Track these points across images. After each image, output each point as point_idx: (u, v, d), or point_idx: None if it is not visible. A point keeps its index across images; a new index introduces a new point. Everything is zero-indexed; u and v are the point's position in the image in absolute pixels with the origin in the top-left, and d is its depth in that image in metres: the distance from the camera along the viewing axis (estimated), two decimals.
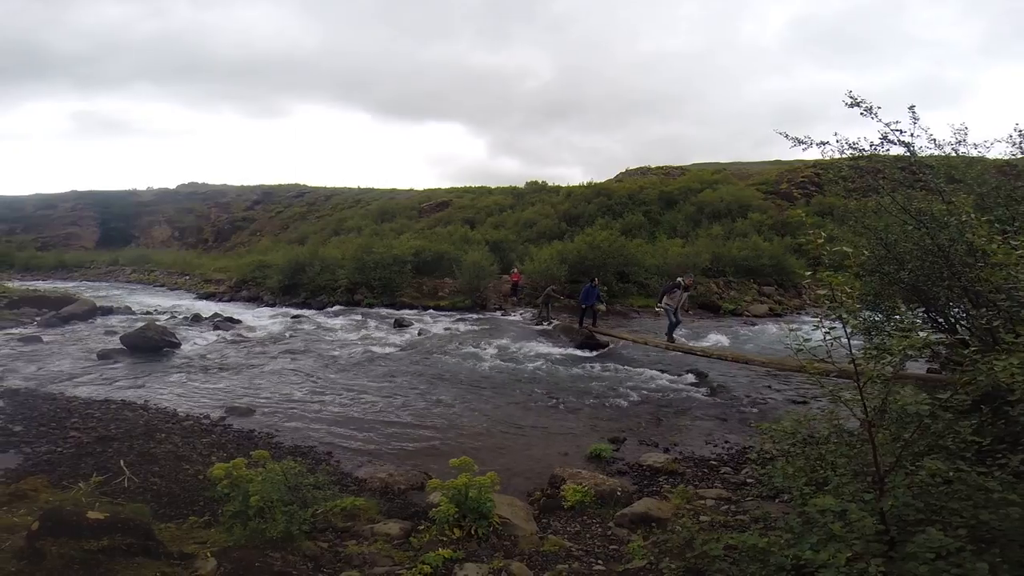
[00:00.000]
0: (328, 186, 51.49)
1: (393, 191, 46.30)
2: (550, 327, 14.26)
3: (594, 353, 12.67)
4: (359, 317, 18.23)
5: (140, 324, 13.69)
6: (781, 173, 34.48)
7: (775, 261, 23.48)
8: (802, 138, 5.20)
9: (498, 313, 20.14)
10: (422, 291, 22.78)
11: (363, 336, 14.51)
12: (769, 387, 9.75)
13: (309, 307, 20.72)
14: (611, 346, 13.31)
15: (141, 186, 56.09)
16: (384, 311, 19.78)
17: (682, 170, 40.93)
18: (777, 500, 4.72)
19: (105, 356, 11.12)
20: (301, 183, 53.57)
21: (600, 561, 4.00)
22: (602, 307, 14.32)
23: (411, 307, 20.81)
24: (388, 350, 12.73)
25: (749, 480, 5.61)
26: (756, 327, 16.93)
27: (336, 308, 20.42)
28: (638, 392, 9.34)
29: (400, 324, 16.49)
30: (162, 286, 29.74)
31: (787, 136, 5.26)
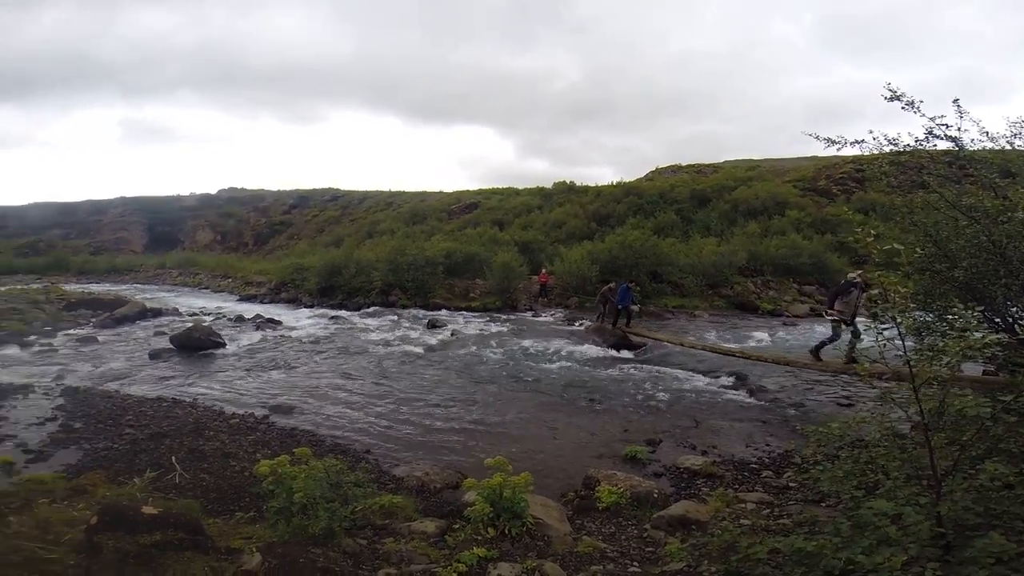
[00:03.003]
0: (361, 189, 52.53)
1: (423, 193, 46.89)
2: (610, 326, 14.09)
3: (628, 354, 12.53)
4: (394, 318, 18.55)
5: (187, 325, 14.29)
6: (819, 169, 33.43)
7: (815, 259, 22.76)
8: (835, 138, 5.03)
9: (529, 314, 20.16)
10: (454, 292, 23.00)
11: (398, 337, 14.75)
12: (812, 389, 9.45)
13: (345, 308, 21.18)
14: (646, 347, 13.14)
15: (184, 191, 58.49)
16: (418, 312, 20.06)
17: (714, 168, 40.13)
18: (823, 504, 4.59)
19: (156, 355, 11.65)
20: (335, 187, 54.88)
21: (635, 563, 3.96)
22: (636, 308, 14.16)
23: (444, 308, 21.03)
24: (423, 350, 12.91)
25: (792, 484, 5.46)
26: (797, 327, 16.42)
27: (372, 309, 20.80)
28: (674, 394, 9.19)
29: (433, 325, 16.70)
30: (206, 288, 30.90)
31: (818, 137, 5.11)
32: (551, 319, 18.94)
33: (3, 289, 24.30)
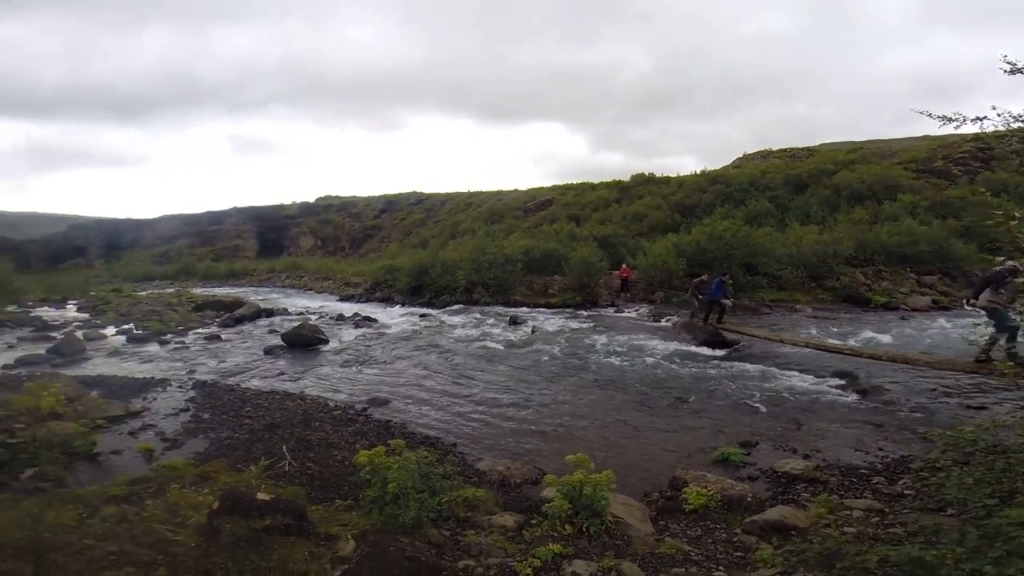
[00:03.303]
0: (442, 192, 54.65)
1: (500, 192, 47.67)
2: (701, 322, 13.57)
3: (721, 352, 11.92)
4: (477, 315, 19.06)
5: (295, 323, 15.61)
6: (934, 149, 30.00)
7: (936, 246, 20.34)
8: (951, 115, 4.43)
9: (610, 310, 19.81)
10: (533, 289, 23.15)
11: (482, 333, 15.14)
12: (935, 390, 8.48)
13: (433, 306, 22.05)
14: (740, 344, 12.43)
15: (287, 200, 63.77)
16: (499, 309, 20.43)
17: (810, 151, 37.26)
18: (944, 513, 4.15)
19: (270, 351, 12.87)
20: (419, 190, 57.62)
21: (721, 567, 3.80)
22: (728, 302, 13.42)
23: (524, 305, 21.25)
24: (505, 347, 13.16)
25: (908, 491, 5.00)
26: (916, 322, 14.73)
27: (456, 307, 21.50)
28: (773, 394, 8.64)
29: (514, 322, 16.93)
30: (310, 289, 33.52)
31: (931, 115, 4.52)
32: (634, 315, 18.47)
33: (144, 294, 28.08)
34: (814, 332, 13.55)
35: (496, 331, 15.52)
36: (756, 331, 12.76)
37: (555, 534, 4.14)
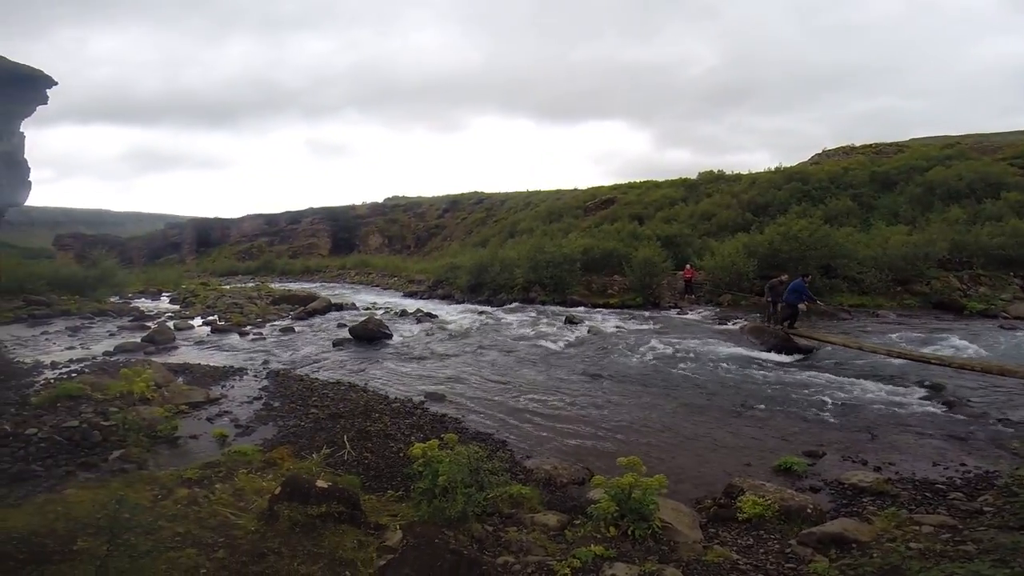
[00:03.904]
0: (502, 191, 55.35)
1: (559, 192, 47.55)
2: (777, 325, 12.94)
3: (791, 358, 11.29)
4: (533, 314, 19.14)
5: (362, 318, 16.34)
6: None
7: None
8: None
9: (673, 312, 19.25)
10: (591, 289, 22.93)
11: (537, 332, 15.18)
12: None
13: (491, 304, 22.42)
14: (814, 351, 11.70)
15: (357, 200, 66.94)
16: (556, 308, 20.43)
17: (899, 147, 34.59)
18: (1014, 529, 3.77)
19: (338, 344, 13.56)
20: (480, 191, 58.79)
21: None
22: (802, 307, 12.65)
23: (581, 304, 21.14)
24: (560, 346, 13.13)
25: (987, 509, 4.57)
26: (1019, 331, 13.25)
27: (514, 305, 21.74)
28: (846, 404, 8.09)
29: (571, 321, 16.84)
30: (377, 286, 34.99)
31: None
32: (698, 317, 17.85)
33: (228, 288, 30.40)
34: (897, 340, 12.51)
35: (552, 330, 15.52)
36: (832, 337, 11.96)
37: (598, 535, 4.10)
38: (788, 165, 34.51)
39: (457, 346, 13.42)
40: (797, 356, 11.44)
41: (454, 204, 57.22)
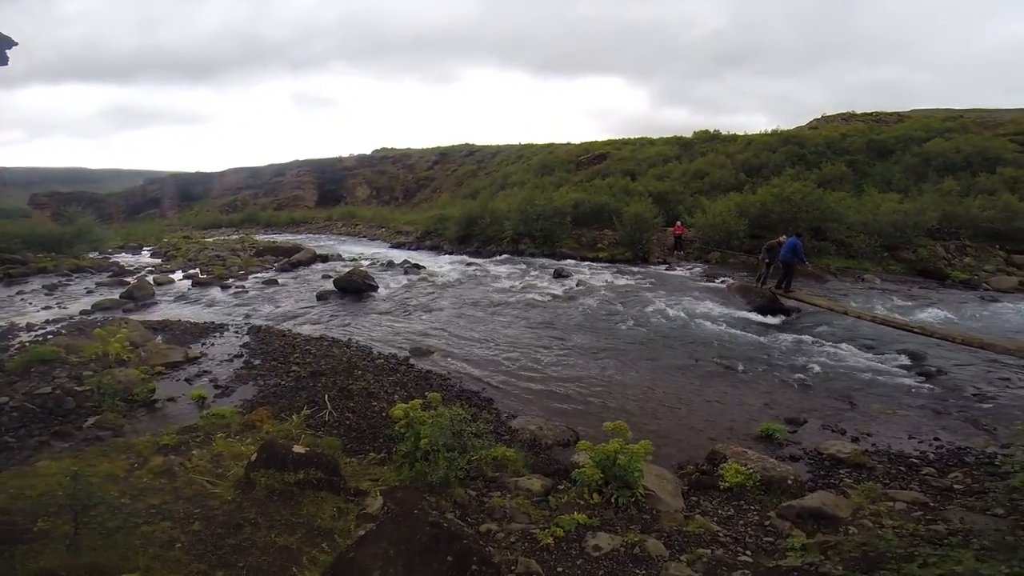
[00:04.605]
0: (494, 144, 53.91)
1: (551, 146, 46.45)
2: (760, 286, 12.88)
3: (777, 319, 11.36)
4: (523, 266, 19.05)
5: (348, 269, 16.04)
6: None
7: None
8: None
9: (661, 267, 19.24)
10: (581, 242, 22.85)
11: (526, 285, 15.08)
12: (1008, 380, 7.75)
13: (480, 256, 22.27)
14: (799, 312, 11.75)
15: (345, 152, 64.83)
16: (545, 261, 20.35)
17: (899, 116, 34.10)
18: (989, 513, 3.89)
19: (322, 297, 13.34)
20: (471, 143, 57.14)
21: (748, 552, 3.68)
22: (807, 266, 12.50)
23: (571, 258, 21.15)
24: (548, 300, 13.08)
25: (958, 486, 4.70)
26: (999, 304, 13.40)
27: (503, 257, 21.62)
28: (829, 369, 8.17)
29: (560, 275, 16.74)
30: (364, 237, 34.43)
31: None
32: (686, 274, 17.84)
33: (211, 240, 29.70)
34: (880, 305, 12.61)
35: (541, 283, 15.43)
36: (818, 300, 12.01)
37: (581, 502, 4.11)
38: (786, 128, 34.00)
39: (444, 299, 13.30)
40: (782, 317, 11.53)
41: (444, 156, 55.77)
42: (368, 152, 63.32)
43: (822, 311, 11.48)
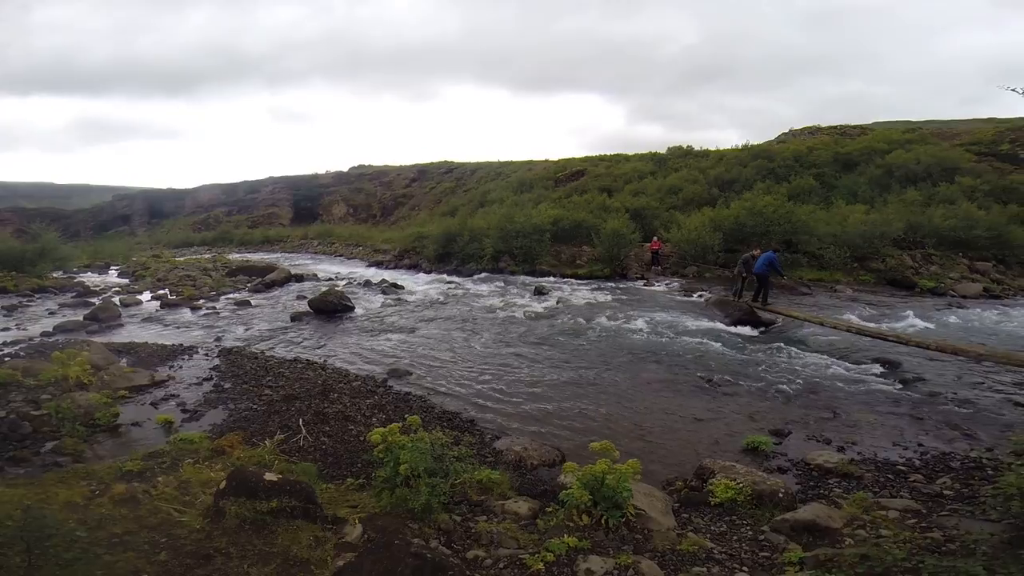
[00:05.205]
0: (473, 161, 54.25)
1: (530, 162, 46.99)
2: (736, 300, 13.00)
3: (755, 332, 11.47)
4: (502, 284, 18.97)
5: (323, 289, 15.73)
6: (1000, 132, 28.57)
7: (994, 232, 19.24)
8: None
9: (640, 283, 19.38)
10: (560, 259, 22.93)
11: (506, 303, 14.97)
12: (982, 384, 7.91)
13: (459, 274, 22.12)
14: (776, 325, 11.89)
15: (321, 170, 64.31)
16: (525, 279, 20.33)
17: (862, 129, 35.75)
18: (985, 517, 3.88)
19: (296, 318, 12.98)
20: (450, 160, 57.44)
21: (745, 568, 3.58)
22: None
23: (550, 275, 21.18)
24: (529, 318, 12.97)
25: (947, 492, 4.71)
26: (965, 310, 13.82)
27: (483, 275, 21.50)
28: (808, 380, 8.22)
29: (540, 292, 16.70)
30: (341, 256, 33.94)
31: (1019, 91, 3.95)
32: (664, 289, 18.00)
33: (182, 260, 28.91)
34: (855, 315, 12.87)
35: (521, 301, 15.34)
36: (794, 312, 12.18)
37: (571, 524, 3.96)
38: (756, 143, 35.06)
39: (423, 318, 13.09)
40: (760, 329, 11.65)
41: (423, 173, 55.73)
42: (345, 169, 62.98)
43: (799, 323, 11.64)
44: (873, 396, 7.53)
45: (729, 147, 35.18)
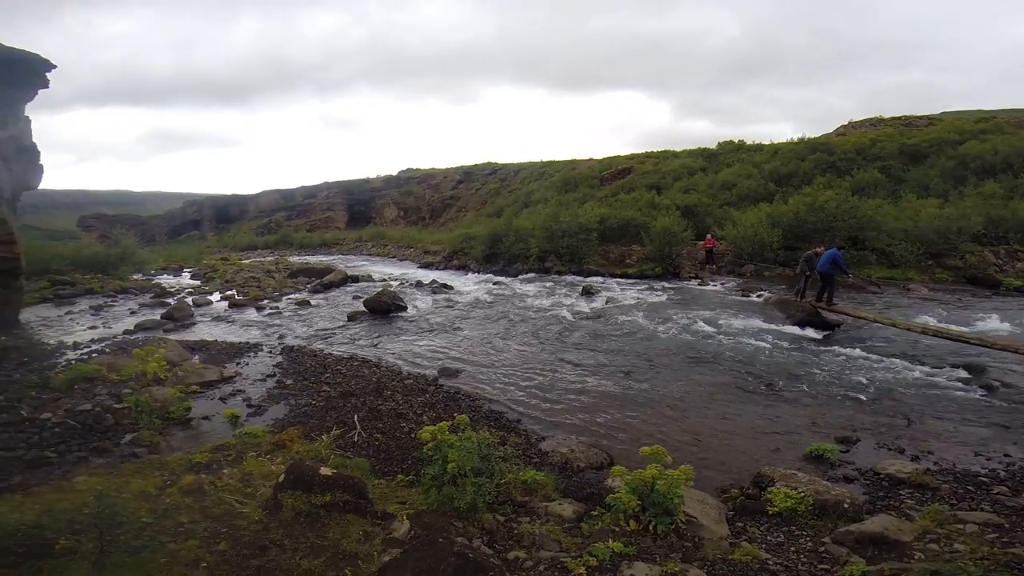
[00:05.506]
0: (516, 162, 54.48)
1: (573, 162, 46.60)
2: (799, 300, 12.36)
3: (819, 334, 10.85)
4: (549, 284, 18.89)
5: (377, 290, 16.22)
6: None
7: None
8: None
9: (693, 282, 18.80)
10: (608, 258, 22.59)
11: (553, 303, 14.91)
12: None
13: (506, 274, 22.23)
14: (843, 326, 11.21)
15: (372, 174, 66.34)
16: (572, 278, 20.18)
17: (930, 119, 33.24)
18: None
19: (352, 317, 13.45)
20: (493, 161, 57.93)
21: None
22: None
23: (598, 274, 20.91)
24: (577, 319, 12.85)
25: None
26: None
27: (529, 275, 21.53)
28: (881, 385, 7.72)
29: (588, 292, 16.52)
30: (393, 257, 34.92)
31: None
32: (720, 288, 17.38)
33: (247, 262, 30.57)
34: (929, 317, 11.97)
35: (568, 301, 15.24)
36: (863, 312, 11.44)
37: (616, 529, 3.88)
38: (813, 136, 33.54)
39: (472, 318, 13.24)
40: (825, 331, 11.01)
41: (468, 175, 56.48)
42: (395, 173, 64.69)
43: (868, 324, 10.94)
44: (953, 403, 6.98)
45: (784, 140, 33.84)
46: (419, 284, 19.52)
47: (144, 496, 3.88)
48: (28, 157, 13.37)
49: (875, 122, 36.07)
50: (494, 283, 19.81)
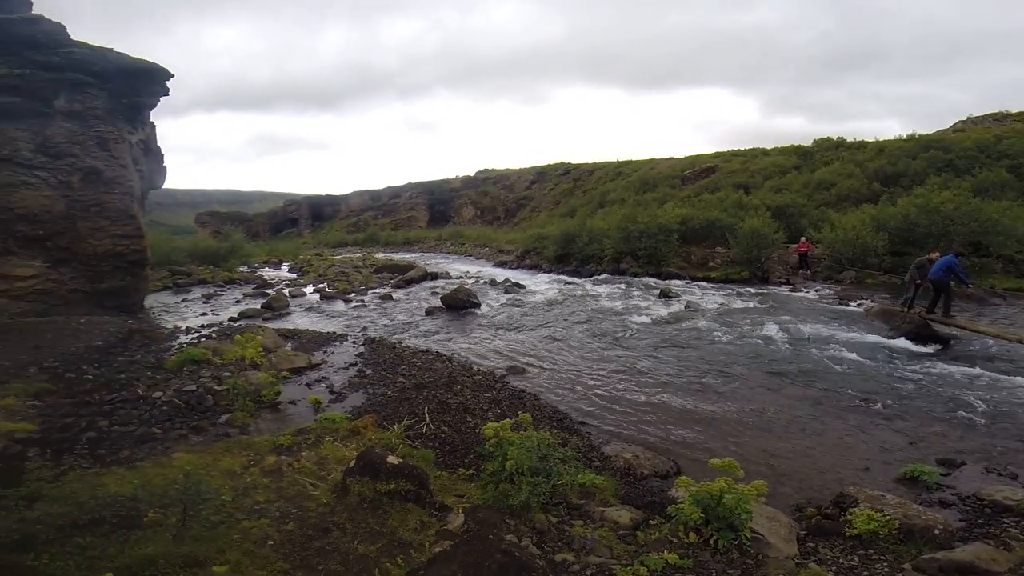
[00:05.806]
0: (590, 162, 53.71)
1: (652, 161, 45.16)
2: (906, 310, 11.29)
3: (929, 348, 9.78)
4: (624, 286, 18.51)
5: (453, 287, 16.76)
6: None
7: None
8: None
9: (784, 288, 17.61)
10: (689, 261, 21.69)
11: (628, 306, 14.61)
12: None
13: (579, 275, 22.08)
14: (956, 341, 10.04)
15: (451, 174, 68.40)
16: (649, 280, 19.63)
17: None
18: None
19: (430, 312, 14.05)
20: (566, 161, 57.50)
21: None
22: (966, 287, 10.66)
23: (678, 277, 20.14)
24: (652, 322, 12.50)
25: None
26: None
27: (603, 276, 21.23)
28: (997, 406, 6.88)
29: (666, 295, 16.00)
30: (470, 256, 35.89)
31: None
32: (814, 296, 16.15)
33: (338, 258, 32.71)
34: None
35: (644, 304, 14.86)
36: (982, 326, 10.15)
37: (674, 540, 3.75)
38: (925, 133, 30.24)
39: (542, 318, 13.30)
40: (936, 346, 9.89)
41: (541, 175, 56.65)
42: (472, 173, 66.27)
43: (988, 339, 9.70)
44: None
45: (890, 138, 30.82)
46: (492, 282, 19.90)
47: (229, 474, 4.28)
48: (154, 159, 15.20)
49: (1000, 117, 32.00)
50: (566, 283, 19.78)
